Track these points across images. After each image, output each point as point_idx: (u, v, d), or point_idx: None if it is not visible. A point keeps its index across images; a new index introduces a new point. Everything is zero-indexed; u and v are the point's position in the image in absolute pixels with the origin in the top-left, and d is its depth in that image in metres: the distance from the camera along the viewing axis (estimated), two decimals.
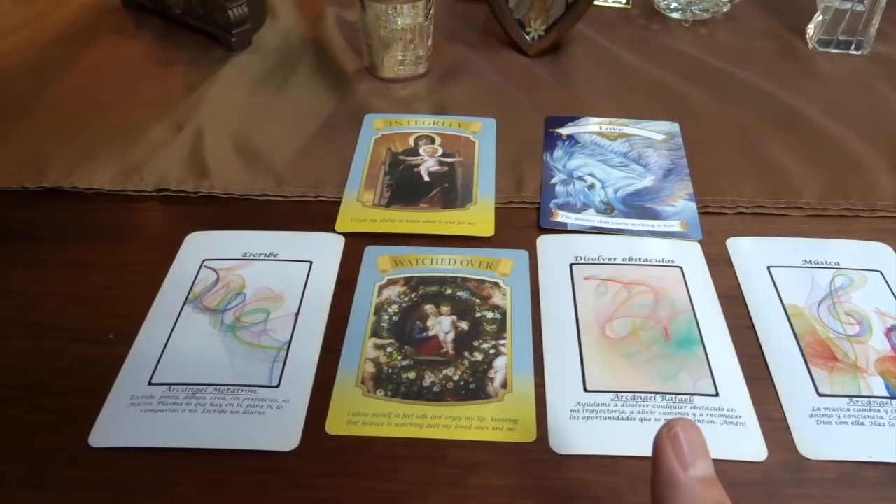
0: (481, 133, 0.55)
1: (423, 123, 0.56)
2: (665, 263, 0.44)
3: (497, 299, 0.42)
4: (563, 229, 0.47)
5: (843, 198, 0.49)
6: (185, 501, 0.33)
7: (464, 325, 0.41)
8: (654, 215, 0.48)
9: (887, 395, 0.37)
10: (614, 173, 0.51)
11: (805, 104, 0.58)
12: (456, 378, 0.38)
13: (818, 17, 0.65)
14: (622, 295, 0.42)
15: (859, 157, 0.52)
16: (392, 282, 0.43)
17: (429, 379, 0.38)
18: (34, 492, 0.33)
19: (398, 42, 0.59)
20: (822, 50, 0.65)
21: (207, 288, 0.43)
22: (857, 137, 0.54)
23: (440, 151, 0.53)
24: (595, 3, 0.63)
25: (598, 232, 0.46)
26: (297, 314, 0.41)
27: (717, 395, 0.37)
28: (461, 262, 0.44)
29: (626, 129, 0.55)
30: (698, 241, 0.46)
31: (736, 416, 0.36)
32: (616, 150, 0.53)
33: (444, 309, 0.41)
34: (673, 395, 0.37)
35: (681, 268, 0.44)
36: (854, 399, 0.37)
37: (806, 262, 0.44)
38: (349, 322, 0.41)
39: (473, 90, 0.60)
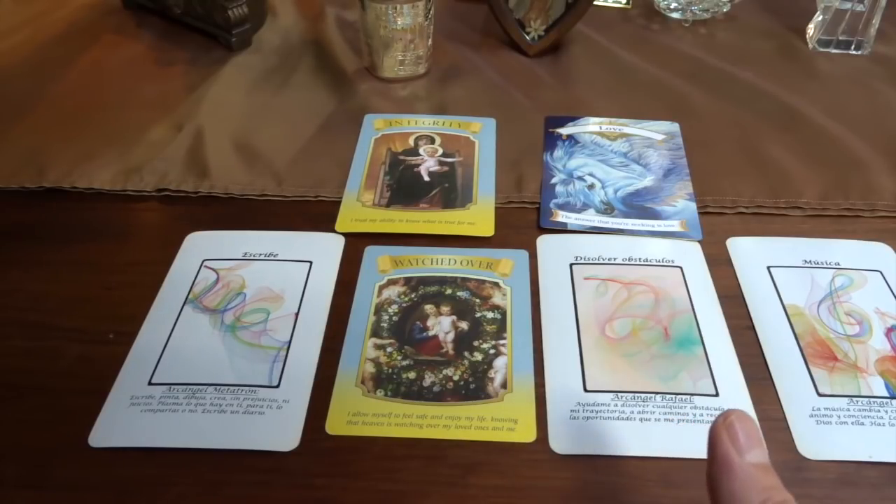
0: (481, 133, 0.55)
1: (423, 123, 0.56)
2: (665, 263, 0.44)
3: (497, 299, 0.42)
4: (563, 229, 0.47)
5: (843, 198, 0.49)
6: (184, 501, 0.33)
7: (464, 325, 0.41)
8: (654, 215, 0.48)
9: (887, 395, 0.37)
10: (614, 173, 0.51)
11: (805, 104, 0.58)
12: (456, 378, 0.38)
13: (818, 17, 0.65)
14: (622, 295, 0.42)
15: (859, 157, 0.52)
16: (392, 282, 0.43)
17: (429, 379, 0.38)
18: (34, 492, 0.33)
19: (398, 42, 0.59)
20: (822, 50, 0.65)
21: (207, 288, 0.43)
22: (857, 137, 0.54)
23: (440, 151, 0.53)
24: (595, 3, 0.63)
25: (598, 232, 0.46)
26: (297, 314, 0.41)
27: (717, 395, 0.37)
28: (461, 262, 0.44)
29: (626, 129, 0.55)
30: (698, 241, 0.46)
31: None
32: (616, 150, 0.53)
33: (444, 309, 0.41)
34: (673, 395, 0.37)
35: (681, 268, 0.44)
36: (854, 399, 0.37)
37: (806, 262, 0.44)
38: (349, 322, 0.41)
39: (473, 90, 0.60)
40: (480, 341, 0.40)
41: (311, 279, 0.43)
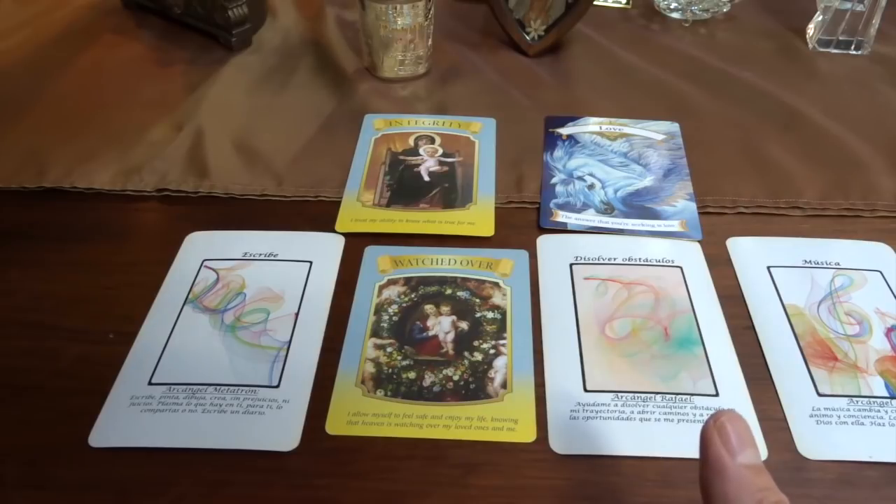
0: (481, 133, 0.55)
1: (423, 123, 0.56)
2: (665, 263, 0.44)
3: (497, 299, 0.42)
4: (563, 229, 0.47)
5: (843, 198, 0.49)
6: (185, 501, 0.33)
7: (464, 325, 0.41)
8: (654, 215, 0.48)
9: (887, 395, 0.37)
10: (614, 173, 0.51)
11: (805, 104, 0.58)
12: (456, 378, 0.38)
13: (818, 17, 0.65)
14: (622, 295, 0.42)
15: (859, 157, 0.52)
16: (392, 282, 0.43)
17: (429, 379, 0.38)
18: (34, 492, 0.33)
19: (398, 42, 0.59)
20: (822, 50, 0.65)
21: (207, 288, 0.43)
22: (857, 137, 0.54)
23: (440, 151, 0.53)
24: (595, 3, 0.63)
25: (598, 232, 0.46)
26: (297, 314, 0.41)
27: (717, 395, 0.37)
28: (461, 262, 0.44)
29: (626, 129, 0.55)
30: (698, 241, 0.46)
31: None
32: (616, 150, 0.53)
33: (444, 309, 0.41)
34: (673, 395, 0.37)
35: (681, 268, 0.44)
36: (854, 399, 0.37)
37: (806, 262, 0.44)
38: (349, 322, 0.41)
39: (473, 90, 0.60)
40: (480, 341, 0.40)
41: (311, 279, 0.43)
